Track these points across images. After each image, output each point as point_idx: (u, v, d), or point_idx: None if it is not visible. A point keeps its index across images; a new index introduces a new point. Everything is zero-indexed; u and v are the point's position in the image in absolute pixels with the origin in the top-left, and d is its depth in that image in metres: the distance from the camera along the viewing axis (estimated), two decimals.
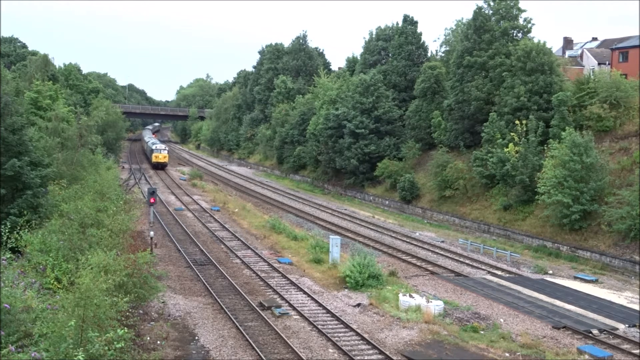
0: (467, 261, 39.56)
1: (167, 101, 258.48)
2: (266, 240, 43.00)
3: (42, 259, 22.85)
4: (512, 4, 56.84)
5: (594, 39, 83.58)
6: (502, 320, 27.10)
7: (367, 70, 74.31)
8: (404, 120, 68.12)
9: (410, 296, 28.25)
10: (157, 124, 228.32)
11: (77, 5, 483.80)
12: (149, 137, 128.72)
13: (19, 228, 24.90)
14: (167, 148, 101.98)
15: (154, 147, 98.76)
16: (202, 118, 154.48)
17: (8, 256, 22.56)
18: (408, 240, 45.81)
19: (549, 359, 22.36)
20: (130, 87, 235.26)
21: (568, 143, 42.06)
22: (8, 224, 25.58)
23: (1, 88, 37.91)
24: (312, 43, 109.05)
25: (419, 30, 73.06)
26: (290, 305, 27.52)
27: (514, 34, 57.14)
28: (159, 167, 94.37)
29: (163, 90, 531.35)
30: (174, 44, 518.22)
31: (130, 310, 20.33)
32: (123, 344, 15.29)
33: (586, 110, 47.88)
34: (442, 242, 46.27)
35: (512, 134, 49.52)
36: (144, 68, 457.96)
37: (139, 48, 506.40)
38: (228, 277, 31.80)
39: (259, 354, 21.25)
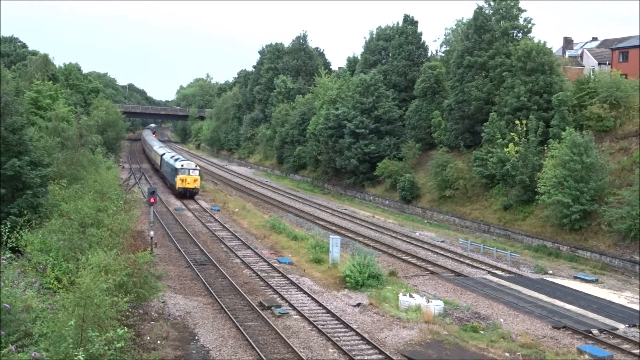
0: (467, 261, 39.56)
1: (167, 101, 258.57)
2: (266, 240, 42.99)
3: (42, 259, 22.85)
4: (512, 4, 56.81)
5: (594, 39, 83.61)
6: (502, 320, 27.11)
7: (367, 70, 74.29)
8: (404, 120, 68.13)
9: (410, 296, 28.25)
10: (153, 125, 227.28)
11: (77, 5, 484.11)
12: (159, 146, 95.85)
13: (19, 228, 24.90)
14: (197, 167, 66.53)
15: (178, 166, 63.61)
16: (202, 118, 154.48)
17: (8, 256, 22.57)
18: (408, 240, 45.81)
19: (549, 359, 22.36)
20: (130, 87, 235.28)
21: (568, 143, 42.06)
22: (8, 223, 25.57)
23: (1, 88, 37.90)
24: (312, 43, 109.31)
25: (419, 30, 73.12)
26: (290, 305, 27.52)
27: (514, 34, 57.12)
28: (187, 195, 61.92)
29: (163, 90, 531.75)
30: (174, 44, 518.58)
31: (130, 310, 20.31)
32: (123, 344, 15.29)
33: (586, 110, 47.88)
34: (442, 242, 46.27)
35: (512, 134, 49.53)
36: (144, 68, 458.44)
37: (139, 48, 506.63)
38: (228, 276, 31.79)
39: (259, 354, 21.24)
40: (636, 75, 51.78)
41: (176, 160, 68.20)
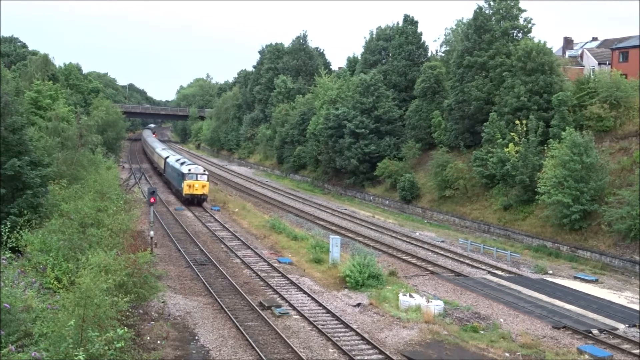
0: (467, 261, 39.56)
1: (167, 101, 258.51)
2: (266, 240, 42.99)
3: (42, 259, 22.85)
4: (512, 4, 56.81)
5: (594, 39, 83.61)
6: (502, 320, 27.11)
7: (367, 70, 74.29)
8: (404, 120, 68.14)
9: (410, 296, 28.25)
10: (153, 125, 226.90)
11: (77, 5, 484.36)
12: (162, 148, 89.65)
13: (19, 228, 24.90)
14: (206, 172, 60.62)
15: (185, 170, 58.72)
16: (202, 118, 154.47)
17: (8, 256, 22.57)
18: (408, 240, 45.81)
19: (549, 359, 22.36)
20: (131, 87, 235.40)
21: (568, 143, 42.06)
22: (8, 223, 25.57)
23: (1, 88, 37.90)
24: (312, 43, 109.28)
25: (419, 30, 73.13)
26: (290, 305, 27.52)
27: (514, 34, 57.12)
28: (195, 202, 57.98)
29: (163, 90, 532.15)
30: (174, 44, 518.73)
31: (130, 310, 20.31)
32: (123, 344, 15.28)
33: (586, 110, 47.88)
34: (442, 242, 46.27)
35: (512, 134, 49.53)
36: (144, 68, 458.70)
37: (139, 48, 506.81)
38: (228, 276, 31.79)
39: (259, 354, 21.24)
40: (636, 75, 51.77)
41: (182, 164, 62.99)
